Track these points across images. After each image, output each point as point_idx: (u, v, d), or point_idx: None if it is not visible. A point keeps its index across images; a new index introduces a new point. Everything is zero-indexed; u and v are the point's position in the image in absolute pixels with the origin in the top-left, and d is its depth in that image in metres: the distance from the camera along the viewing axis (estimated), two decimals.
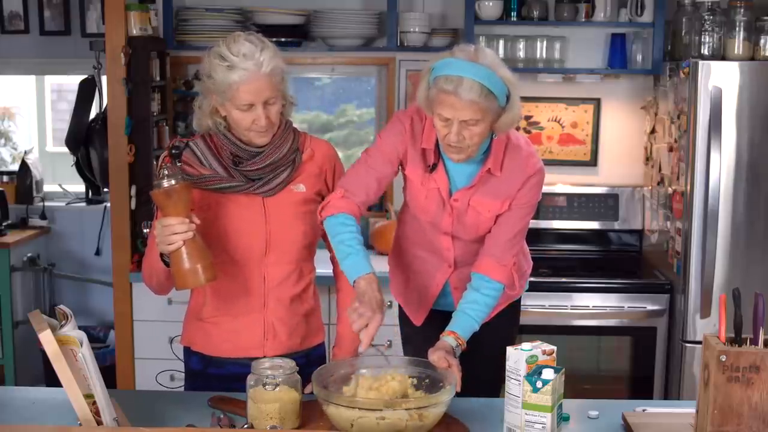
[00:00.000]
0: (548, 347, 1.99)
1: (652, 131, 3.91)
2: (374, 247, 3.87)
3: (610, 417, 2.08)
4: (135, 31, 3.68)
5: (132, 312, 3.75)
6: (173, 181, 2.03)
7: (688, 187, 3.40)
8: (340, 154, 2.54)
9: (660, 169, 3.78)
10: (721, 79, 3.34)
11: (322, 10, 3.94)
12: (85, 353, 1.72)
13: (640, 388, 3.66)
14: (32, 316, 1.78)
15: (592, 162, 4.15)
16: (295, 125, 2.34)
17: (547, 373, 1.89)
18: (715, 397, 1.78)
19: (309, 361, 2.24)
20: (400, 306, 2.67)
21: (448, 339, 2.19)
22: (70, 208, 4.81)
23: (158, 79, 3.84)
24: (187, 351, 2.37)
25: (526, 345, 1.98)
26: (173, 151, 2.18)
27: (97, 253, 4.76)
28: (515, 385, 1.94)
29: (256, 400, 1.94)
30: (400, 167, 2.37)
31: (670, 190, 3.63)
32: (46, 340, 1.70)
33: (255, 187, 2.22)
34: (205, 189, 2.22)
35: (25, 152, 4.91)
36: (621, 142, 4.13)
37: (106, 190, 4.20)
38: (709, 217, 3.35)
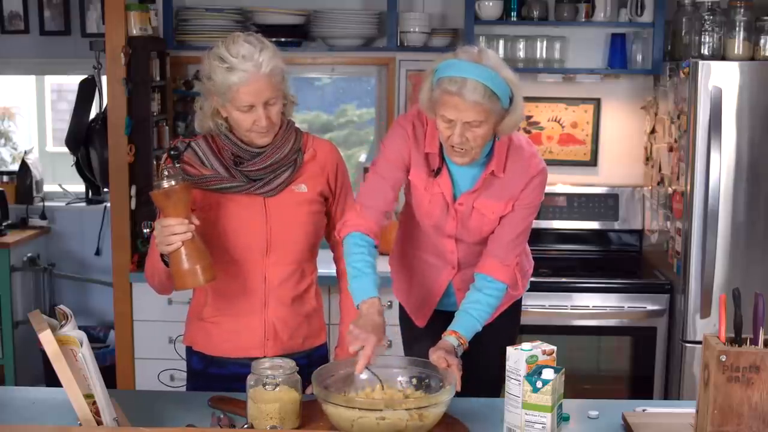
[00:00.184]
0: (548, 347, 1.99)
1: (652, 131, 3.91)
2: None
3: (610, 417, 2.08)
4: (135, 31, 3.68)
5: (132, 312, 3.76)
6: (173, 182, 2.04)
7: (688, 187, 3.40)
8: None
9: (660, 169, 3.78)
10: (721, 79, 3.34)
11: (322, 10, 3.94)
12: (85, 353, 1.72)
13: (640, 388, 3.66)
14: (32, 316, 1.78)
15: (592, 162, 4.15)
16: (296, 125, 2.34)
17: (547, 373, 1.89)
18: (715, 397, 1.78)
19: (311, 362, 2.24)
20: (401, 307, 2.66)
21: (449, 338, 2.19)
22: (70, 208, 4.81)
23: (158, 79, 3.84)
24: (189, 350, 2.37)
25: (526, 345, 1.98)
26: (172, 152, 2.18)
27: (97, 253, 4.76)
28: (515, 385, 1.94)
29: (256, 400, 1.94)
30: (408, 172, 2.37)
31: (670, 190, 3.63)
32: (46, 340, 1.70)
33: (256, 187, 2.22)
34: (207, 189, 2.23)
35: (25, 152, 4.91)
36: (621, 142, 4.13)
37: (106, 190, 4.19)
38: (709, 217, 3.35)
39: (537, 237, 3.99)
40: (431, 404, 1.93)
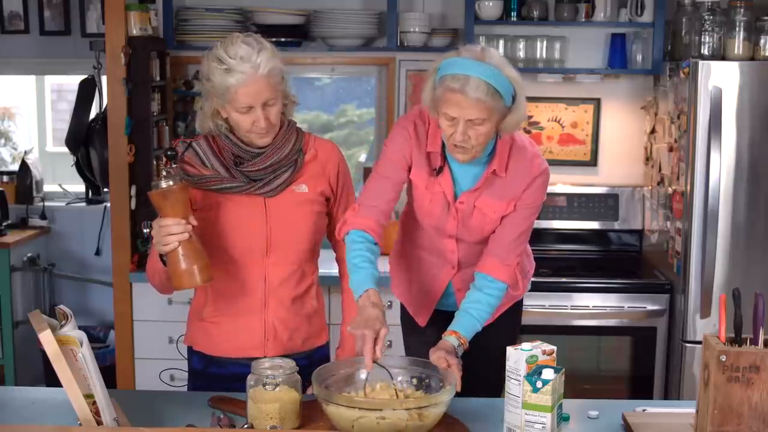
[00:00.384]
0: (548, 347, 1.99)
1: (652, 131, 3.91)
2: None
3: (610, 417, 2.08)
4: (135, 31, 3.68)
5: (132, 312, 3.76)
6: (171, 182, 2.04)
7: (688, 187, 3.40)
8: None
9: (660, 169, 3.78)
10: (721, 79, 3.34)
11: (322, 10, 3.94)
12: (85, 353, 1.72)
13: (640, 388, 3.66)
14: (32, 316, 1.78)
15: (592, 162, 4.15)
16: (297, 125, 2.34)
17: (547, 373, 1.89)
18: (715, 397, 1.78)
19: (311, 363, 2.23)
20: (402, 306, 2.66)
21: (450, 339, 2.19)
22: (70, 208, 4.81)
23: (158, 79, 3.84)
24: (190, 350, 2.38)
25: (526, 345, 1.98)
26: (169, 153, 2.18)
27: (97, 253, 4.76)
28: (515, 385, 1.94)
29: (256, 400, 1.94)
30: (409, 172, 2.37)
31: (670, 190, 3.63)
32: (46, 340, 1.70)
33: (256, 187, 2.22)
34: (207, 189, 2.23)
35: (25, 152, 4.91)
36: (621, 142, 4.13)
37: (106, 190, 4.20)
38: (709, 217, 3.35)
39: (537, 237, 3.98)
40: (431, 404, 1.93)
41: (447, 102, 2.13)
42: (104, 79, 3.89)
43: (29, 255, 4.57)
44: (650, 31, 3.86)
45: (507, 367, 1.97)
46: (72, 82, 4.79)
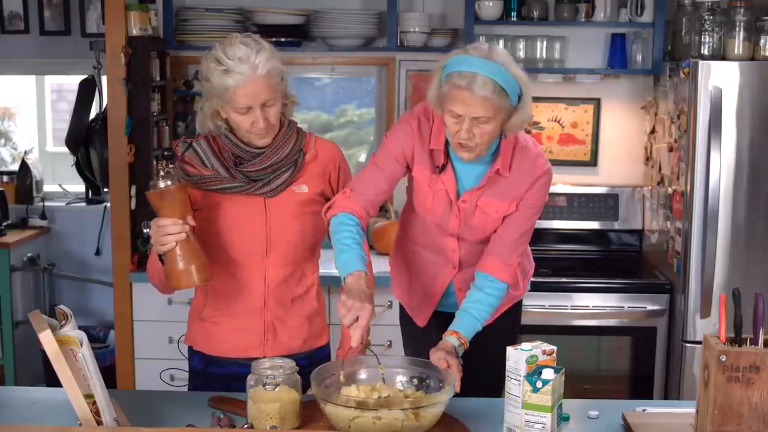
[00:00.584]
0: (548, 347, 1.99)
1: (652, 131, 3.91)
2: (374, 247, 3.87)
3: (610, 417, 2.08)
4: (135, 31, 3.67)
5: (132, 312, 3.75)
6: (169, 182, 2.04)
7: (688, 187, 3.40)
8: None
9: (660, 169, 3.78)
10: (721, 79, 3.34)
11: (322, 10, 3.94)
12: (85, 353, 1.72)
13: (640, 388, 3.66)
14: (32, 316, 1.78)
15: (592, 162, 4.15)
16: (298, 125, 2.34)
17: (547, 373, 1.89)
18: (715, 397, 1.78)
19: (312, 363, 2.22)
20: (402, 306, 2.66)
21: (450, 339, 2.19)
22: (70, 208, 4.81)
23: (158, 79, 3.84)
24: (190, 350, 2.38)
25: (526, 345, 1.98)
26: (166, 153, 2.18)
27: (97, 253, 4.76)
28: (515, 385, 1.94)
29: (256, 400, 1.94)
30: (407, 168, 2.37)
31: (670, 190, 3.63)
32: (46, 340, 1.70)
33: (256, 187, 2.22)
34: (207, 189, 2.23)
35: (25, 152, 4.91)
36: (621, 142, 4.13)
37: (106, 190, 4.19)
38: (709, 217, 3.35)
39: (537, 237, 3.94)
40: (428, 404, 1.93)
41: (453, 99, 2.13)
42: (104, 79, 3.88)
43: (29, 255, 4.57)
44: (650, 31, 3.85)
45: (507, 367, 1.97)
46: (72, 82, 4.79)
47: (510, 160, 2.29)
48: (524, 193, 2.30)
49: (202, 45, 3.80)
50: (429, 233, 2.44)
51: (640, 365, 3.66)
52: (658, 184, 3.81)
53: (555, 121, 4.12)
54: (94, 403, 1.76)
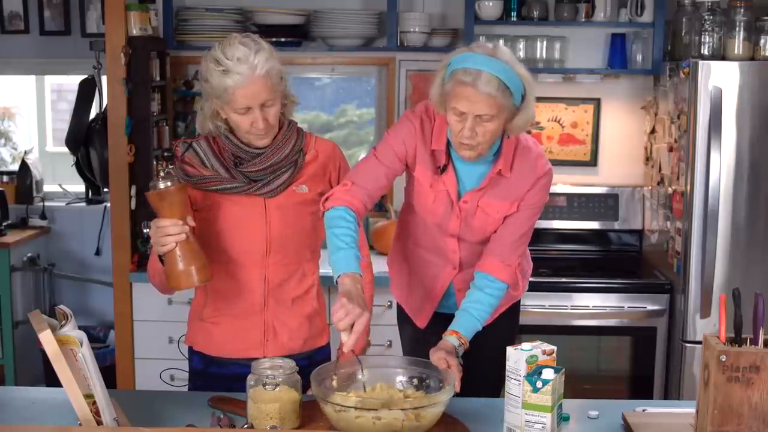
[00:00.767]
0: (548, 347, 1.99)
1: (652, 131, 3.91)
2: (374, 247, 3.87)
3: (610, 417, 2.08)
4: (135, 31, 3.68)
5: (132, 312, 3.75)
6: (169, 183, 2.04)
7: (688, 187, 3.40)
8: None
9: (660, 169, 3.78)
10: (721, 79, 3.34)
11: (322, 10, 3.94)
12: (85, 353, 1.72)
13: (640, 388, 3.66)
14: (32, 316, 1.78)
15: (592, 162, 4.15)
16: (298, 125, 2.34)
17: (547, 373, 1.89)
18: (715, 397, 1.78)
19: (312, 363, 2.22)
20: (400, 308, 2.66)
21: (450, 339, 2.19)
22: (70, 208, 4.81)
23: (158, 79, 3.84)
24: (190, 350, 2.38)
25: (526, 345, 1.98)
26: (166, 154, 2.18)
27: (97, 253, 4.76)
28: (515, 385, 1.94)
29: (256, 400, 1.94)
30: (406, 168, 2.36)
31: (670, 190, 3.64)
32: (46, 340, 1.70)
33: (256, 188, 2.22)
34: (207, 190, 2.23)
35: (25, 152, 4.91)
36: (621, 142, 4.13)
37: (106, 190, 4.19)
38: (709, 217, 3.35)
39: (537, 237, 3.95)
40: (428, 404, 1.93)
41: (457, 96, 2.12)
42: (104, 79, 3.88)
43: (29, 255, 4.57)
44: (650, 31, 3.85)
45: (507, 367, 1.97)
46: (72, 82, 4.79)
47: (512, 160, 2.28)
48: (525, 194, 2.30)
49: (202, 45, 3.80)
50: (429, 234, 2.44)
51: (640, 365, 3.66)
52: (658, 184, 3.81)
53: (555, 121, 4.12)
54: (94, 403, 1.76)
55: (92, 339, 4.05)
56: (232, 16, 3.94)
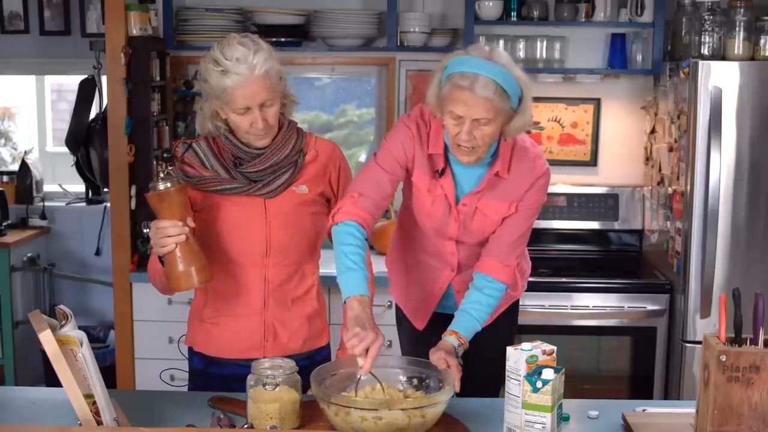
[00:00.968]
0: (548, 347, 1.99)
1: (652, 131, 3.91)
2: (374, 247, 3.87)
3: (610, 417, 2.08)
4: (135, 31, 3.67)
5: (132, 312, 3.75)
6: (168, 184, 2.04)
7: (688, 187, 3.40)
8: None
9: (660, 169, 3.78)
10: (721, 79, 3.34)
11: (322, 10, 3.94)
12: (85, 353, 1.72)
13: (640, 388, 3.66)
14: (32, 316, 1.78)
15: (592, 162, 4.15)
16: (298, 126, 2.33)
17: (547, 373, 1.89)
18: (715, 397, 1.78)
19: (312, 363, 2.22)
20: (398, 309, 2.65)
21: (450, 339, 2.19)
22: (70, 208, 4.81)
23: (158, 79, 3.84)
24: (191, 351, 2.38)
25: (526, 345, 1.98)
26: (165, 155, 2.18)
27: (97, 253, 4.76)
28: (515, 385, 1.94)
29: (256, 400, 1.94)
30: (406, 171, 2.35)
31: (670, 190, 3.64)
32: (46, 340, 1.70)
33: (256, 188, 2.22)
34: (206, 191, 2.23)
35: (25, 152, 4.91)
36: (621, 142, 4.13)
37: (106, 190, 4.20)
38: (709, 217, 3.35)
39: (537, 237, 3.98)
40: (428, 405, 1.93)
41: (454, 100, 2.12)
42: (104, 79, 3.88)
43: (29, 255, 4.57)
44: (650, 31, 3.85)
45: (507, 367, 1.97)
46: (72, 82, 4.79)
47: (509, 161, 2.28)
48: (523, 195, 2.29)
49: (202, 45, 3.80)
50: (427, 237, 2.43)
51: (640, 365, 3.66)
52: (658, 184, 3.81)
53: (555, 121, 4.12)
54: (94, 403, 1.76)
55: (92, 339, 4.05)
56: (232, 16, 3.94)
